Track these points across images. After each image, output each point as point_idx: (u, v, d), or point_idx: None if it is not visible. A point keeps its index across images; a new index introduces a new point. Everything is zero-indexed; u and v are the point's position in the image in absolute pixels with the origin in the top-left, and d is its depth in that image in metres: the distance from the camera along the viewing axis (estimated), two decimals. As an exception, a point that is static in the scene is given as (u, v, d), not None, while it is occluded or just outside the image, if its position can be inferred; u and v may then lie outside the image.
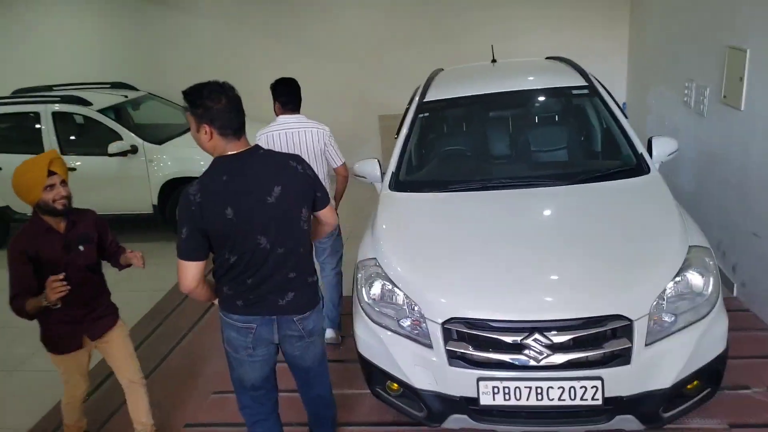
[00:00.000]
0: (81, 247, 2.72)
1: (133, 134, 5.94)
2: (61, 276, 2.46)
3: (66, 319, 2.70)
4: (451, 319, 2.46)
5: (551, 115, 4.18)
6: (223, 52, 8.07)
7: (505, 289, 2.54)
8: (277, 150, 2.77)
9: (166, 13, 8.13)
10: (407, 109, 4.11)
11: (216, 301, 2.41)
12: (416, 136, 3.87)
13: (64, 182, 2.64)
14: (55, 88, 6.87)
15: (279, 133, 3.54)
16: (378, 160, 3.66)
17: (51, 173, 2.58)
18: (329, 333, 3.79)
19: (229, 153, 2.20)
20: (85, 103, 6.03)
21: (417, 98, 3.97)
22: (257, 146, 2.29)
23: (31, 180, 2.57)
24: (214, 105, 2.13)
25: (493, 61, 4.80)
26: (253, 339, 2.34)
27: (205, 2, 8.07)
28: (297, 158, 2.36)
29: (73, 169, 5.69)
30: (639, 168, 3.25)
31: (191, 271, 2.20)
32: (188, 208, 2.14)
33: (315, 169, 2.53)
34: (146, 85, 7.40)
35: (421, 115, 3.90)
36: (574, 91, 3.89)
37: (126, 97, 6.61)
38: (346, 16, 7.72)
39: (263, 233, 2.21)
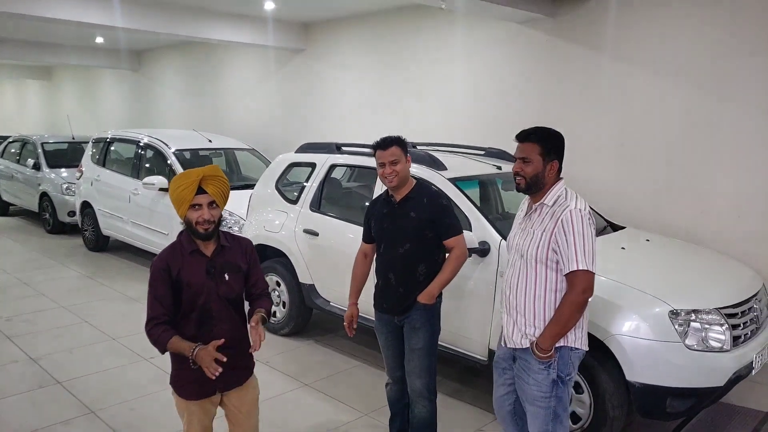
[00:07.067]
0: (226, 276, 2.34)
1: (484, 221, 3.75)
2: (221, 342, 2.19)
3: None
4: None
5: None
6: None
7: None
8: None
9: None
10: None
11: None
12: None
13: (213, 204, 2.27)
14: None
15: None
16: None
17: (201, 191, 2.24)
18: None
19: None
20: (439, 167, 4.15)
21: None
22: None
23: (179, 195, 2.23)
24: None
25: None
26: None
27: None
28: None
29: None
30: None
31: None
32: None
33: None
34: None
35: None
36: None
37: (500, 168, 4.48)
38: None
39: None
